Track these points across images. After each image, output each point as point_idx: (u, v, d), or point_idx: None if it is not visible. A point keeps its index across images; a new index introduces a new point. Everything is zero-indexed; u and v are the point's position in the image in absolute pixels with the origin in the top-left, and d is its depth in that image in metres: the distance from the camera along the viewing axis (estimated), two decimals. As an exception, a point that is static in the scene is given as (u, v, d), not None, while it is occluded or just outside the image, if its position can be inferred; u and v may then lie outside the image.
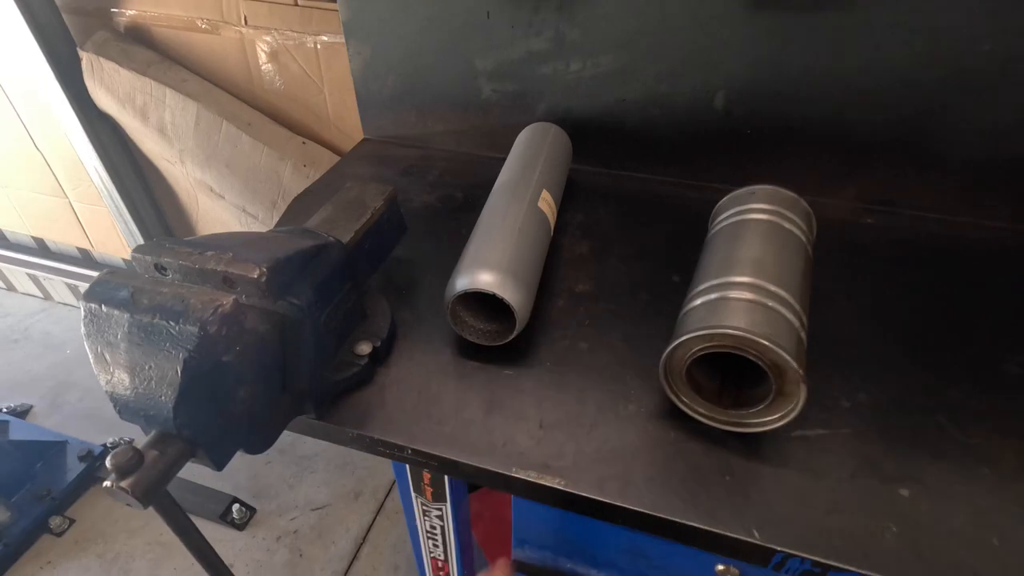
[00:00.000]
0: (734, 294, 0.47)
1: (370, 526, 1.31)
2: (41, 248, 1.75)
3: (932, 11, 0.62)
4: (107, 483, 0.36)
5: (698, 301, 0.49)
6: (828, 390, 0.52)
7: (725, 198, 0.62)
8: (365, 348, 0.53)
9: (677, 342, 0.46)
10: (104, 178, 1.21)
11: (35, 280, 1.93)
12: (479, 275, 0.52)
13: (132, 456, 0.36)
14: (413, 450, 0.48)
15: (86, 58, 1.01)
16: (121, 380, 0.37)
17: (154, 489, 0.37)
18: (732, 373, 0.49)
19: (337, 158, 1.02)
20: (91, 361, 0.38)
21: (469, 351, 0.56)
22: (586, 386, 0.53)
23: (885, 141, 0.72)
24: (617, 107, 0.80)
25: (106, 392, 0.38)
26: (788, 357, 0.42)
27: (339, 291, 0.51)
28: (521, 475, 0.46)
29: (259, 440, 0.46)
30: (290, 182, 1.04)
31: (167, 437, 0.38)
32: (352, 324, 0.55)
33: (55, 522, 1.29)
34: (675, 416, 0.50)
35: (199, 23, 0.98)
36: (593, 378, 0.54)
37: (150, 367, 0.36)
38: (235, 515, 1.29)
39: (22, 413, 1.58)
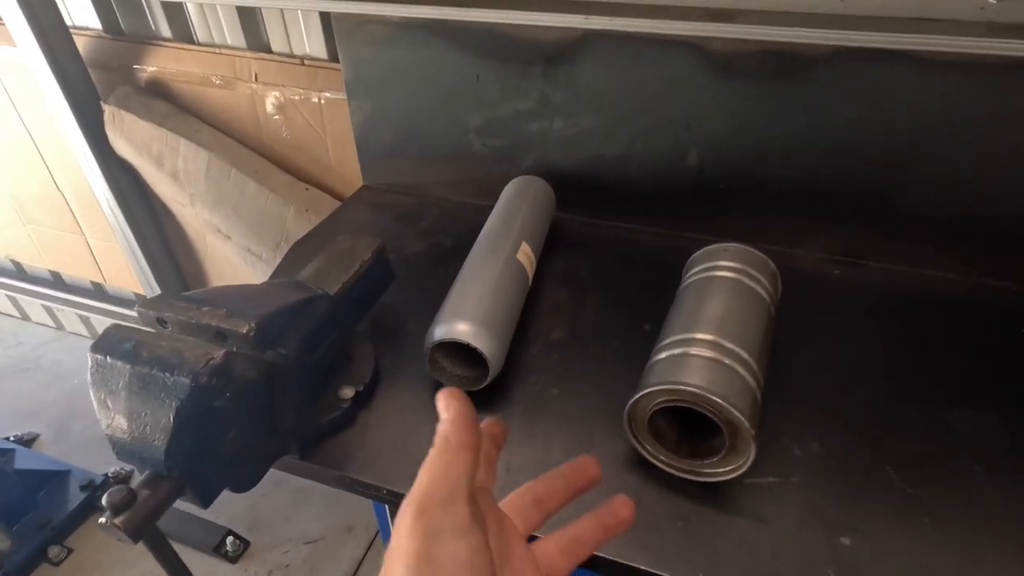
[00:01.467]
0: (695, 351, 0.51)
1: (361, 560, 1.32)
2: (56, 281, 1.82)
3: (887, 78, 0.67)
4: (102, 520, 0.40)
5: (663, 355, 0.52)
6: (782, 439, 0.55)
7: (699, 251, 0.65)
8: (348, 392, 0.57)
9: (641, 394, 0.49)
10: (119, 217, 1.27)
11: (49, 311, 1.99)
12: (456, 325, 0.56)
13: (126, 495, 0.40)
14: (388, 490, 0.52)
15: (108, 110, 1.09)
16: (120, 425, 0.41)
17: (144, 526, 0.41)
18: (690, 424, 0.53)
19: (338, 203, 1.08)
20: (95, 407, 0.42)
21: (447, 395, 0.60)
22: (554, 431, 0.56)
23: (851, 197, 0.76)
24: (597, 162, 0.85)
25: (106, 435, 0.42)
26: (741, 416, 0.45)
27: (325, 339, 0.55)
28: (486, 517, 0.49)
29: (245, 479, 0.49)
30: (293, 225, 1.10)
31: (158, 477, 0.42)
32: (337, 369, 0.59)
33: (53, 551, 1.32)
34: (636, 462, 0.53)
35: (214, 79, 1.06)
36: (561, 423, 0.57)
37: (146, 414, 0.40)
38: (229, 548, 1.31)
39: (28, 441, 1.62)
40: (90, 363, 0.42)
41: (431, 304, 0.62)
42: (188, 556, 1.30)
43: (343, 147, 1.04)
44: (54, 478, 1.44)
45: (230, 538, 1.32)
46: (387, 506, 0.64)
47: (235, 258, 1.23)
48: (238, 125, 1.10)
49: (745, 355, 0.51)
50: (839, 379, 0.61)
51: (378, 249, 0.65)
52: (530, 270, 0.69)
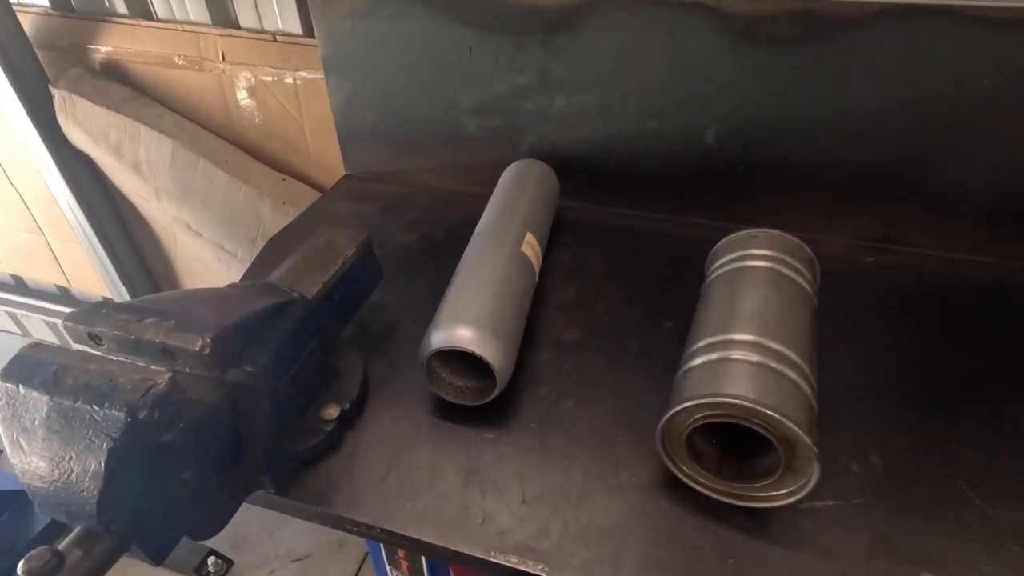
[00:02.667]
0: (737, 354, 0.43)
1: (354, 577, 1.24)
2: (19, 285, 1.71)
3: (928, 42, 0.60)
4: (18, 594, 0.31)
5: (698, 360, 0.45)
6: (836, 452, 0.47)
7: (723, 241, 0.58)
8: (332, 412, 0.49)
9: (677, 409, 0.42)
10: (79, 215, 1.17)
11: (13, 317, 1.87)
12: (456, 330, 0.48)
13: (49, 560, 0.32)
14: (382, 529, 0.44)
15: (58, 95, 0.98)
16: (38, 471, 0.32)
17: (74, 599, 0.32)
18: (733, 439, 0.45)
19: (318, 194, 0.99)
20: (6, 448, 0.33)
21: (446, 409, 0.52)
22: (572, 451, 0.48)
23: (885, 176, 0.69)
24: (604, 143, 0.77)
25: (23, 484, 0.33)
26: (800, 432, 0.38)
27: (303, 350, 0.47)
28: (500, 560, 0.41)
29: (207, 524, 0.41)
30: (269, 219, 1.01)
31: (93, 534, 0.33)
32: (319, 384, 0.51)
33: (19, 578, 1.22)
34: (670, 486, 0.45)
35: (176, 59, 0.96)
36: (580, 441, 0.49)
37: (71, 458, 0.32)
38: (211, 568, 1.23)
39: (-8, 458, 1.51)
40: (-1, 394, 0.33)
41: (424, 304, 0.54)
42: (166, 578, 1.22)
43: (322, 132, 0.95)
44: (16, 499, 1.33)
45: (212, 558, 1.24)
46: (382, 545, 0.56)
47: (207, 256, 1.13)
48: (205, 110, 1.00)
49: (795, 357, 0.43)
50: (888, 379, 0.55)
51: (363, 243, 0.57)
52: (536, 264, 0.61)
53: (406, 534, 0.43)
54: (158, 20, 0.95)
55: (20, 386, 0.33)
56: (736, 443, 0.45)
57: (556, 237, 0.74)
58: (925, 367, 0.56)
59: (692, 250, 0.62)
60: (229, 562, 1.26)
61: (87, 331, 0.37)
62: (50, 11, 1.01)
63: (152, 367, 0.34)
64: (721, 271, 0.55)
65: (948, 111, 0.63)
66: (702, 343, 0.46)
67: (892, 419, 0.50)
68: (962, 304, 0.63)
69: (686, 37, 0.67)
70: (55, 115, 1.01)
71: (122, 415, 0.31)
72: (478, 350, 0.47)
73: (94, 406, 0.31)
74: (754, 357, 0.42)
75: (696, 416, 0.42)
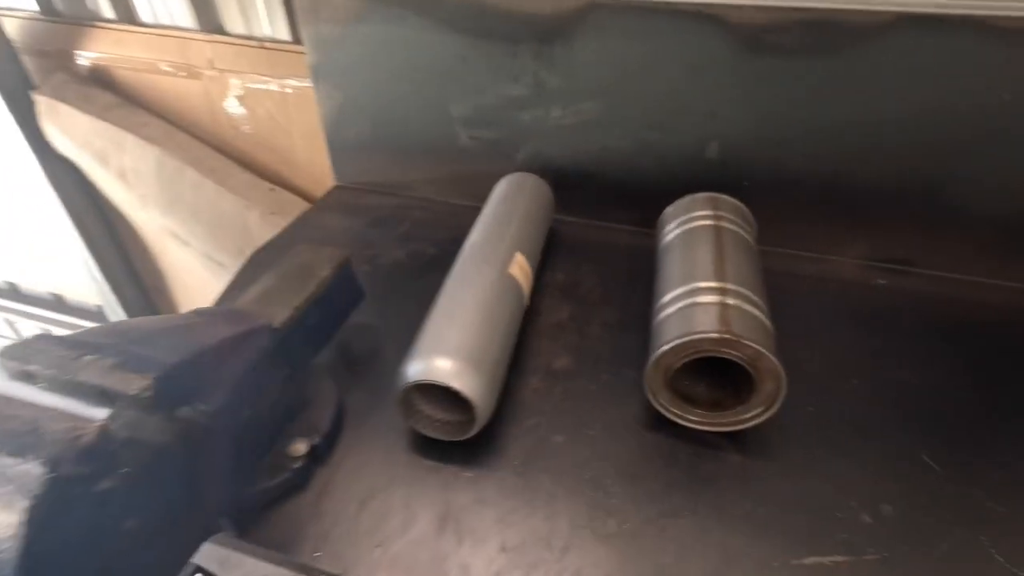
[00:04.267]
0: (703, 299, 0.47)
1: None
2: (13, 291, 1.69)
3: (944, 54, 0.56)
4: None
5: (671, 309, 0.49)
6: (845, 499, 0.44)
7: (668, 208, 0.64)
8: (301, 448, 0.45)
9: (661, 351, 0.45)
10: (66, 223, 1.14)
11: (9, 324, 1.85)
12: (435, 362, 0.45)
13: (-38, 630, 0.28)
14: (348, 580, 0.40)
15: (42, 101, 0.96)
16: (-48, 530, 0.29)
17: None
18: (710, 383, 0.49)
19: (307, 205, 0.96)
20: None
21: (425, 445, 0.48)
22: (559, 494, 0.45)
23: (897, 194, 0.65)
24: (601, 156, 0.74)
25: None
26: (766, 351, 0.42)
27: (269, 382, 0.44)
28: (474, 621, 0.37)
29: (160, 573, 0.38)
30: (257, 230, 0.98)
31: (16, 600, 0.30)
32: (288, 416, 0.47)
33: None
34: (664, 535, 0.41)
35: (162, 65, 0.93)
36: (568, 483, 0.46)
37: (-13, 516, 0.28)
38: (196, 586, 1.19)
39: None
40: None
41: (411, 324, 0.51)
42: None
43: (312, 142, 0.92)
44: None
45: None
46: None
47: (197, 266, 1.10)
48: (192, 118, 0.97)
49: (751, 294, 0.48)
50: (900, 416, 0.51)
51: (341, 264, 0.54)
52: (526, 286, 0.58)
53: (374, 587, 0.39)
54: (144, 25, 0.93)
55: (-65, 433, 0.29)
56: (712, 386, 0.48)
57: (550, 253, 0.70)
58: (941, 402, 0.52)
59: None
60: (215, 580, 1.22)
61: (20, 368, 0.33)
62: (36, 15, 0.98)
63: (84, 412, 0.31)
64: (670, 236, 0.60)
65: (965, 127, 0.60)
66: (671, 295, 0.50)
67: (907, 462, 0.47)
68: (982, 333, 0.59)
69: (690, 47, 0.63)
70: (38, 122, 0.99)
71: (42, 470, 0.28)
72: (456, 384, 0.43)
73: (10, 459, 0.28)
74: (717, 298, 0.47)
75: (678, 357, 0.45)
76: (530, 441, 0.49)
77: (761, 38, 0.60)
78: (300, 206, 0.97)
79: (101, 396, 0.32)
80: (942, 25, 0.55)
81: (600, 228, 0.77)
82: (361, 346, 0.60)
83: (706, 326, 0.44)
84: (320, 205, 0.87)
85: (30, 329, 1.85)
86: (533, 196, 0.69)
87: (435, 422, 0.48)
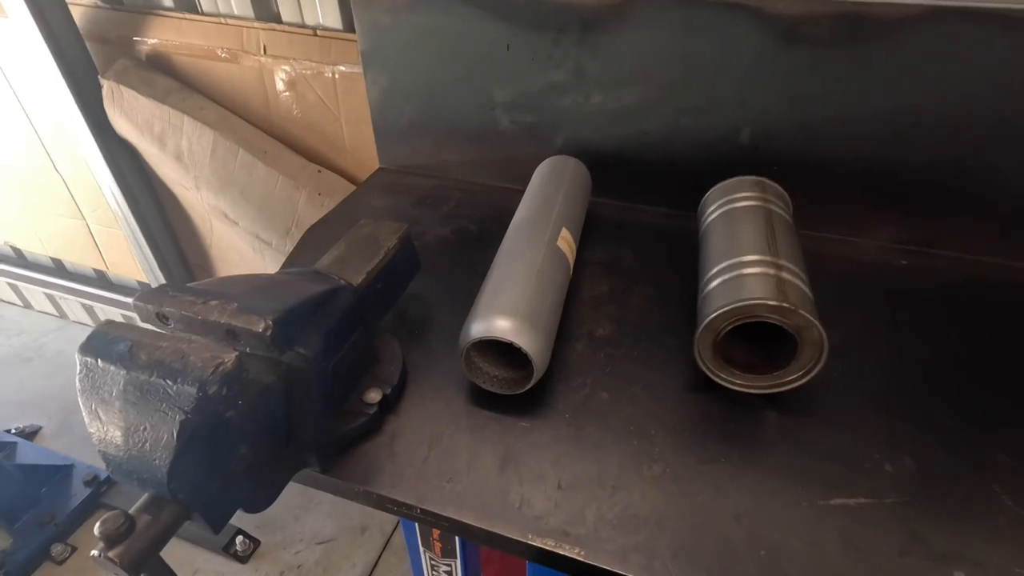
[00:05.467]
0: (748, 270, 0.51)
1: (376, 562, 1.27)
2: (59, 268, 1.77)
3: (972, 45, 0.59)
4: (94, 552, 0.34)
5: (717, 281, 0.52)
6: (870, 451, 0.48)
7: (711, 190, 0.68)
8: (375, 396, 0.51)
9: (712, 316, 0.49)
10: (120, 202, 1.21)
11: (52, 299, 1.94)
12: (495, 321, 0.49)
13: (123, 523, 0.34)
14: (423, 510, 0.45)
15: (107, 85, 1.02)
16: (114, 440, 0.35)
17: (144, 559, 0.34)
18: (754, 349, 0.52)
19: (352, 187, 1.02)
20: (84, 417, 0.36)
21: (483, 399, 0.53)
22: (607, 442, 0.50)
23: (922, 179, 0.68)
24: (638, 140, 0.78)
25: (98, 451, 0.36)
26: (811, 317, 0.46)
27: (349, 337, 0.49)
28: (538, 543, 0.42)
29: (260, 498, 0.43)
30: (304, 210, 1.03)
31: (160, 501, 0.36)
32: (362, 370, 0.53)
33: (57, 549, 1.27)
34: (702, 478, 0.46)
35: (219, 52, 0.99)
36: (615, 433, 0.50)
37: (145, 428, 0.34)
38: (238, 547, 1.26)
39: (31, 434, 1.57)
40: (78, 367, 0.35)
41: (457, 295, 0.55)
42: (196, 555, 1.26)
43: (358, 126, 0.97)
44: (57, 473, 1.39)
45: (239, 537, 1.27)
46: (417, 525, 0.58)
47: (243, 245, 1.16)
48: (245, 102, 1.03)
49: (792, 266, 0.51)
50: (923, 384, 0.55)
51: (404, 235, 0.59)
52: (571, 259, 0.62)
53: (446, 515, 0.45)
54: (203, 14, 0.98)
55: (99, 360, 0.35)
56: (747, 351, 0.52)
57: (589, 234, 0.74)
58: (961, 371, 0.56)
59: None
60: (256, 542, 1.29)
61: (156, 311, 0.39)
62: (100, 4, 1.04)
63: (218, 347, 0.36)
64: (716, 214, 0.63)
65: (991, 114, 0.63)
66: (723, 264, 0.54)
67: (926, 423, 0.51)
68: (998, 310, 0.63)
69: (726, 37, 0.67)
70: (102, 105, 1.05)
71: (194, 390, 0.33)
72: (516, 340, 0.48)
73: (168, 381, 0.33)
74: (772, 270, 0.50)
75: (726, 323, 0.49)
76: (579, 398, 0.54)
77: (796, 28, 0.64)
78: (345, 187, 1.02)
79: (228, 334, 0.38)
80: (969, 17, 0.58)
81: (635, 210, 0.81)
82: (416, 313, 0.65)
83: (763, 294, 0.47)
84: (366, 186, 0.92)
85: (71, 305, 1.94)
86: (574, 178, 0.73)
87: (493, 378, 0.53)
